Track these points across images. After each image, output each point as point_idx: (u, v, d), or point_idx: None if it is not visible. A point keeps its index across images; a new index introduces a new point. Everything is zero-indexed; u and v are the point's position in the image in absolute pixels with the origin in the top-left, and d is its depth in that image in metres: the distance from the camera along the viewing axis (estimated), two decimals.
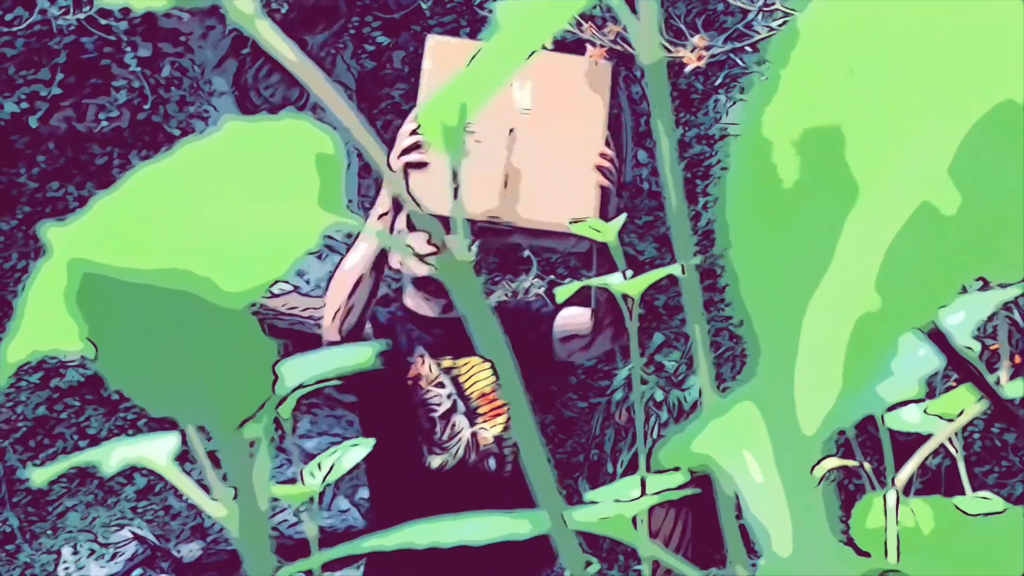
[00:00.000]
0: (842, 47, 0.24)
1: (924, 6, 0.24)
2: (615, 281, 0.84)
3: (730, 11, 4.42)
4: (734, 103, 4.81)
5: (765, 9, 3.13)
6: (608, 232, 0.96)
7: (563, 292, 0.99)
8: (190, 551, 5.60)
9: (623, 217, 1.16)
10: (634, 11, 0.29)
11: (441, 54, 2.24)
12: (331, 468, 0.87)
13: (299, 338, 5.63)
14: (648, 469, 0.73)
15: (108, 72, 5.90)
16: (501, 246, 2.47)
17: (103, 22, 5.67)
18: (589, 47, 2.80)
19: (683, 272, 0.31)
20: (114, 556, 5.36)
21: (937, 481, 4.27)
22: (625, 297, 0.82)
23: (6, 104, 5.69)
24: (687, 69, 2.74)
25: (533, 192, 2.21)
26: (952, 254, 0.25)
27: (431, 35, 2.35)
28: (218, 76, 6.20)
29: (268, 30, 0.29)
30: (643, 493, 0.67)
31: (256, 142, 0.29)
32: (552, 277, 5.89)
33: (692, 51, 2.70)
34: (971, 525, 0.44)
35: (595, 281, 0.91)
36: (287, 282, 5.70)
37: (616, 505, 0.50)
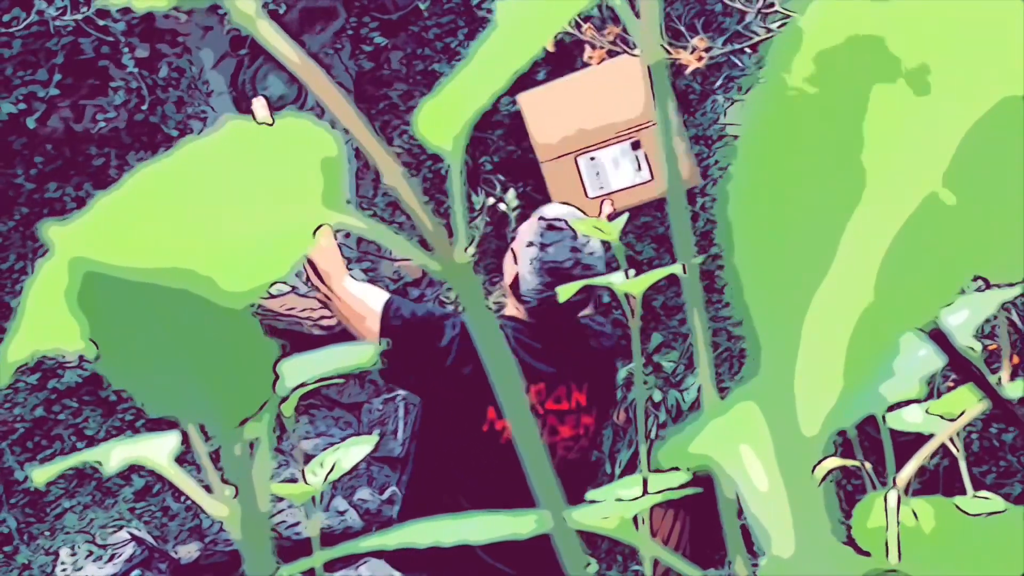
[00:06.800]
0: (843, 47, 0.24)
1: (925, 6, 0.24)
2: (617, 280, 0.84)
3: (728, 12, 4.42)
4: (732, 103, 4.81)
5: (764, 10, 3.13)
6: (611, 231, 0.96)
7: (565, 291, 0.99)
8: (188, 552, 5.60)
9: (625, 216, 1.16)
10: (635, 11, 0.29)
11: (533, 106, 2.53)
12: (333, 467, 0.87)
13: (297, 339, 5.63)
14: (646, 469, 0.73)
15: (106, 73, 5.89)
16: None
17: (101, 23, 5.66)
18: (588, 48, 2.80)
19: (684, 271, 0.31)
20: (112, 557, 5.35)
21: (936, 481, 4.27)
22: (628, 296, 0.83)
23: (3, 105, 5.68)
24: (687, 71, 2.74)
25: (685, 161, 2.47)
26: (953, 253, 0.25)
27: (520, 95, 2.63)
28: (216, 76, 6.20)
29: (269, 30, 0.29)
30: (645, 492, 0.67)
31: (257, 141, 0.29)
32: None
33: (692, 52, 2.70)
34: (972, 525, 0.44)
35: (598, 280, 0.91)
36: (285, 283, 5.70)
37: (617, 505, 0.50)
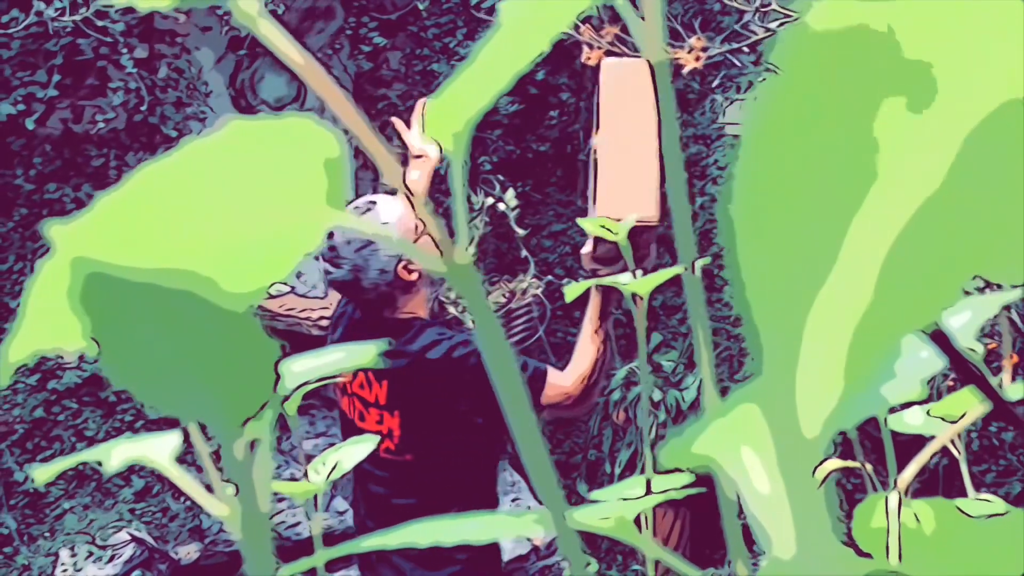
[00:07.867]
0: (848, 47, 0.25)
1: (929, 7, 0.24)
2: (624, 280, 0.84)
3: (726, 11, 4.42)
4: (731, 103, 4.82)
5: (761, 10, 3.13)
6: (620, 232, 0.96)
7: (572, 291, 0.99)
8: (188, 553, 5.60)
9: (634, 217, 1.16)
10: (637, 11, 0.29)
11: (613, 75, 2.19)
12: (335, 466, 0.87)
13: (296, 339, 5.63)
14: (651, 470, 0.74)
15: (104, 74, 5.89)
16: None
17: (99, 23, 5.66)
18: (586, 49, 2.80)
19: (692, 271, 0.31)
20: (112, 558, 5.35)
21: (935, 480, 4.28)
22: (634, 296, 0.83)
23: (2, 106, 5.68)
24: (684, 70, 2.74)
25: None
26: (955, 255, 0.25)
27: (605, 60, 2.28)
28: (215, 77, 6.19)
29: (271, 30, 0.29)
30: (648, 493, 0.68)
31: (259, 141, 0.29)
32: (550, 277, 5.88)
33: (690, 52, 2.71)
34: (973, 527, 0.44)
35: (604, 280, 0.91)
36: (284, 283, 5.70)
37: (618, 505, 0.50)
